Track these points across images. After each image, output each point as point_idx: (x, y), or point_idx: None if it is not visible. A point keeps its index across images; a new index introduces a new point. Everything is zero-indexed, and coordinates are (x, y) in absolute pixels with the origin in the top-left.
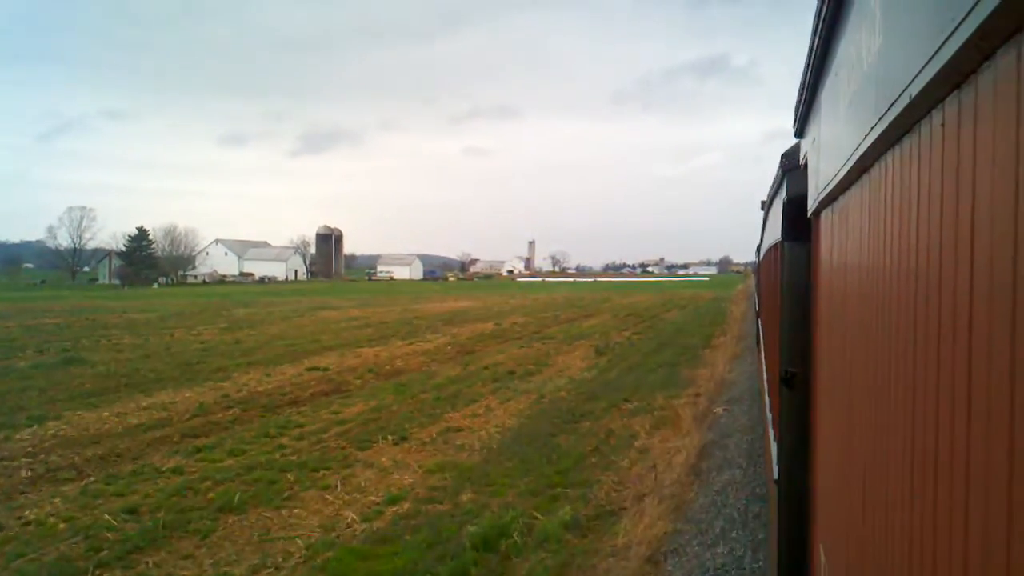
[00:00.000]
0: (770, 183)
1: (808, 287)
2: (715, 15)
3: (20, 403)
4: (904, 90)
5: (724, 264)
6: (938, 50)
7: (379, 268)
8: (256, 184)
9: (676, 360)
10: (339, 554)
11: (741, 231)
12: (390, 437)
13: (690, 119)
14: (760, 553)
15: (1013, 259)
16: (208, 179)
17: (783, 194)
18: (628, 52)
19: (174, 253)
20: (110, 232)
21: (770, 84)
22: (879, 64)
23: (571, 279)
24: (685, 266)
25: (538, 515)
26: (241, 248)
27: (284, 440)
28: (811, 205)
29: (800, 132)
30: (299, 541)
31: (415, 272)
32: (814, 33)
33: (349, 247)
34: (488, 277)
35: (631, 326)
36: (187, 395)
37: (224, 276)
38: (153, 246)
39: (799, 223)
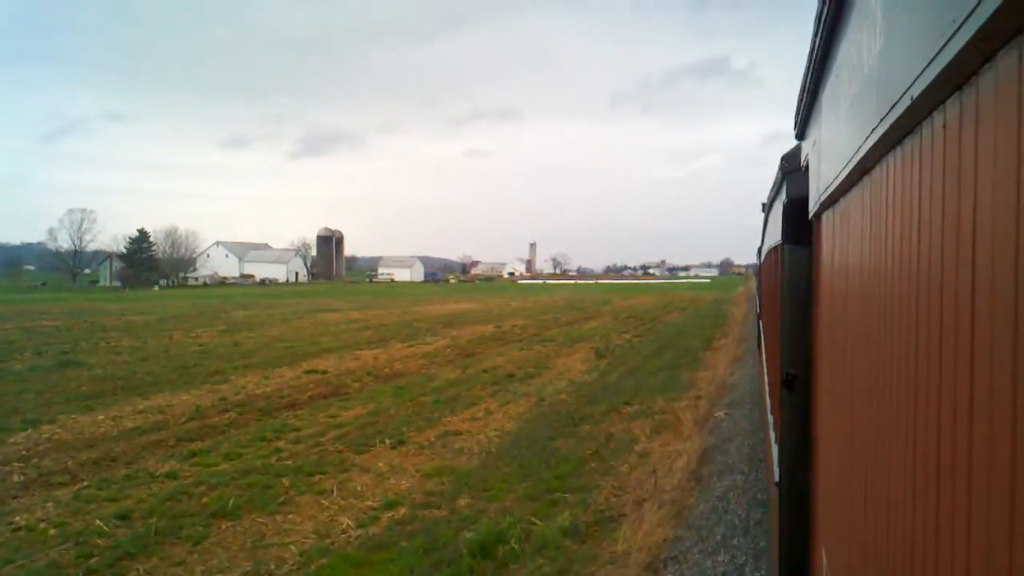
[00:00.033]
0: (770, 185)
1: (808, 289)
2: (715, 17)
3: (16, 406)
4: (905, 92)
5: (725, 266)
6: (939, 52)
7: (380, 270)
8: (257, 186)
9: (677, 363)
10: (333, 561)
11: (742, 233)
12: (388, 441)
13: (690, 121)
14: (762, 561)
15: (1015, 260)
16: (209, 181)
17: (783, 196)
18: (628, 54)
19: (175, 255)
20: (111, 234)
21: (770, 86)
22: (880, 66)
23: (572, 281)
24: (686, 268)
25: (536, 521)
26: (242, 250)
27: (280, 444)
28: (812, 207)
29: (801, 134)
30: (293, 547)
31: (416, 274)
32: (815, 35)
33: (350, 249)
34: (489, 279)
35: (632, 328)
36: (184, 398)
37: (225, 278)
38: (154, 248)
39: (799, 225)
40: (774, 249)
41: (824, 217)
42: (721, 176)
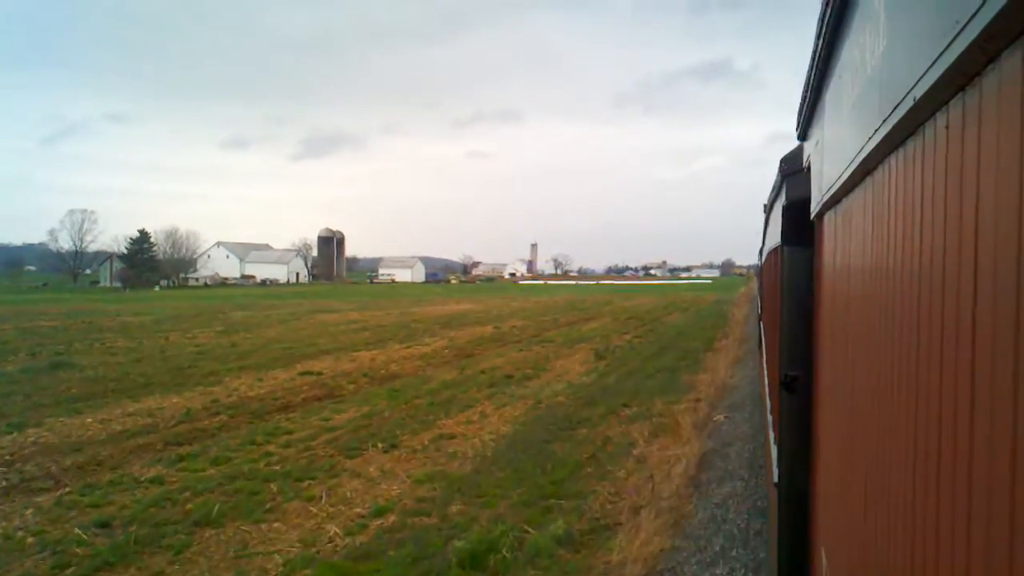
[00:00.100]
0: (771, 187)
1: (808, 291)
2: (716, 20)
3: (3, 409)
4: (908, 92)
5: (727, 267)
6: (942, 52)
7: (381, 271)
8: (258, 187)
9: (676, 364)
10: (318, 571)
11: (744, 234)
12: (380, 445)
13: (692, 122)
14: (762, 575)
15: (1017, 261)
16: (210, 182)
17: (783, 199)
18: (629, 56)
19: (175, 256)
20: (112, 235)
21: (773, 87)
22: (883, 67)
23: (573, 282)
24: (688, 269)
25: (529, 529)
26: (243, 251)
27: (271, 448)
28: (814, 207)
29: (803, 135)
30: (277, 557)
31: (417, 275)
32: (818, 36)
33: (351, 250)
34: (490, 280)
35: (632, 329)
36: (175, 400)
37: (226, 279)
38: (155, 249)
39: (799, 227)
40: (774, 251)
41: (826, 218)
42: (723, 177)
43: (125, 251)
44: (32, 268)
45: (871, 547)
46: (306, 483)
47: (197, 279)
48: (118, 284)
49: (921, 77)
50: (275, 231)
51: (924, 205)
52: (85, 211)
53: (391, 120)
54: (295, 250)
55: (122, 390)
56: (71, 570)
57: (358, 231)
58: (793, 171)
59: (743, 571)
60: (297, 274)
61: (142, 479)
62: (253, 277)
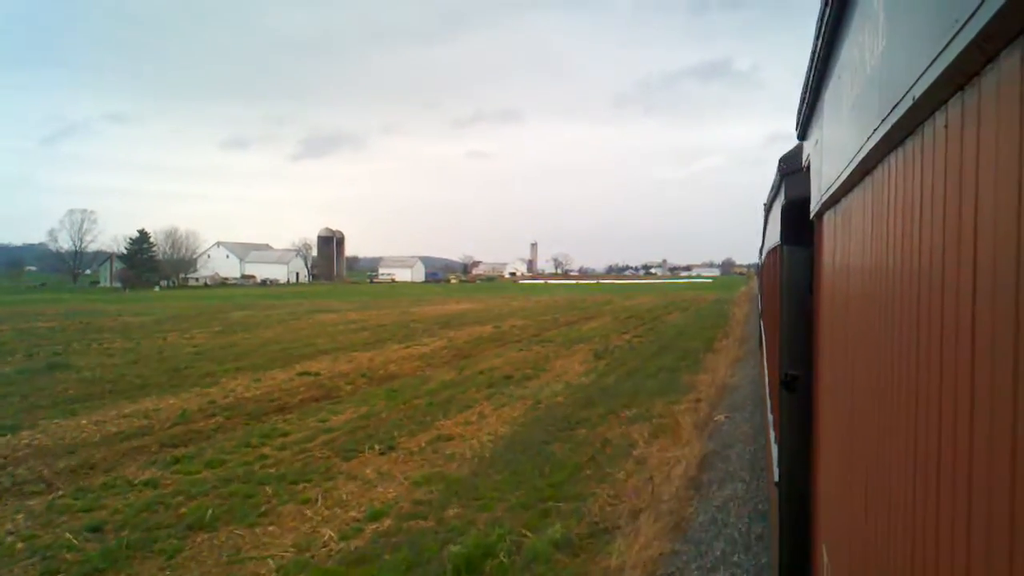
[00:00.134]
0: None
1: (808, 291)
2: (716, 20)
3: None
4: (907, 92)
5: (727, 266)
6: (941, 52)
7: (381, 270)
8: (258, 187)
9: (677, 364)
10: None
11: (744, 233)
12: (377, 447)
13: (692, 122)
14: None
15: (1016, 261)
16: (210, 182)
17: (782, 198)
18: (629, 56)
19: (175, 256)
20: (111, 235)
21: (772, 87)
22: (882, 66)
23: (573, 281)
24: (688, 268)
25: (527, 532)
26: (243, 251)
27: (266, 450)
28: (814, 207)
29: (803, 134)
30: (271, 562)
31: (417, 274)
32: (817, 36)
33: (351, 249)
34: (490, 279)
35: (632, 329)
36: (171, 402)
37: (226, 279)
38: (154, 249)
39: (798, 227)
40: (774, 250)
41: (826, 217)
42: (723, 176)
43: (125, 251)
44: (33, 268)
45: (872, 545)
46: (301, 486)
47: (197, 279)
48: (118, 284)
49: (920, 77)
50: (275, 231)
51: (923, 204)
52: (85, 211)
53: (391, 120)
54: (295, 250)
55: (118, 391)
56: None
57: (358, 231)
58: (792, 170)
59: None
60: (297, 274)
61: (136, 482)
62: (253, 277)
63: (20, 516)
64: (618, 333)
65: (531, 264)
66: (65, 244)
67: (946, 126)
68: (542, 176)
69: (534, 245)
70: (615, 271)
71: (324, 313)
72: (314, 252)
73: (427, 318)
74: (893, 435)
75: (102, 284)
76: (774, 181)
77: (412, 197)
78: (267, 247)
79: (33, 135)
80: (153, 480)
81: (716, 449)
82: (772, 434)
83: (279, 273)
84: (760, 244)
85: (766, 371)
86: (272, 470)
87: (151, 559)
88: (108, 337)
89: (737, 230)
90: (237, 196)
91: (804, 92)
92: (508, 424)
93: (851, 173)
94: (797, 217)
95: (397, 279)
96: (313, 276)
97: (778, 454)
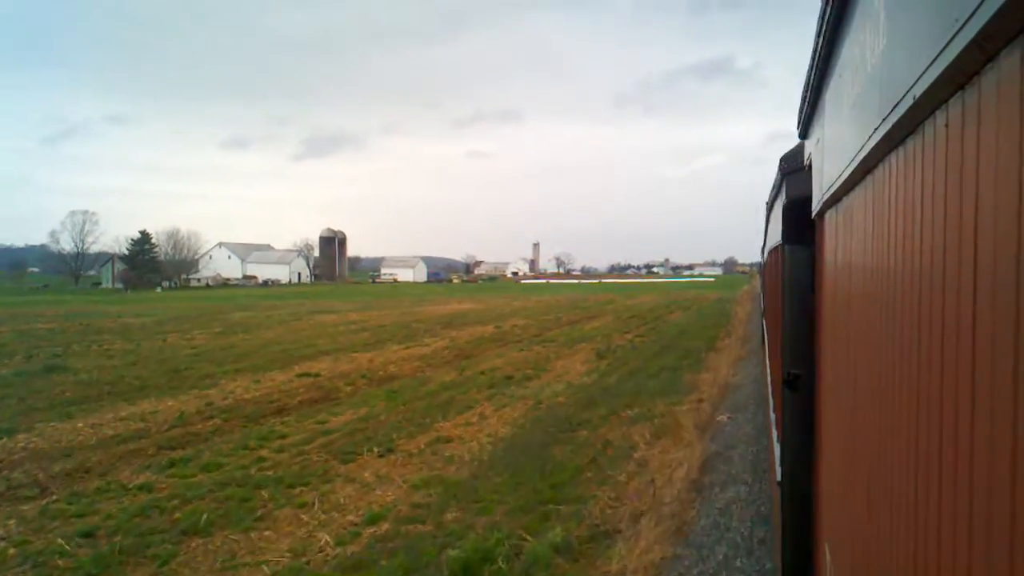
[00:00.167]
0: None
1: (810, 290)
2: (716, 19)
3: None
4: (908, 91)
5: (729, 265)
6: (942, 51)
7: (383, 270)
8: (259, 188)
9: (678, 364)
10: None
11: (746, 232)
12: (376, 449)
13: (692, 121)
14: None
15: (1016, 260)
16: (211, 183)
17: (783, 197)
18: (629, 55)
19: (177, 257)
20: (113, 236)
21: (773, 86)
22: (883, 65)
23: (575, 280)
24: (690, 267)
25: (527, 536)
26: (244, 251)
27: (264, 453)
28: (815, 206)
29: (804, 133)
30: (265, 568)
31: (419, 274)
32: (818, 35)
33: (353, 249)
34: (492, 279)
35: (634, 328)
36: (170, 404)
37: (227, 279)
38: (156, 250)
39: (799, 226)
40: (775, 249)
41: (827, 216)
42: (724, 175)
43: (126, 252)
44: (35, 269)
45: (874, 543)
46: (298, 489)
47: (199, 280)
48: (119, 285)
49: (921, 76)
50: (277, 231)
51: (924, 203)
52: (86, 212)
53: (392, 120)
54: (297, 250)
55: (117, 393)
56: None
57: (360, 231)
58: (793, 169)
59: None
60: (299, 274)
61: (130, 486)
62: (255, 277)
63: (12, 522)
64: (620, 332)
65: (533, 264)
66: (67, 245)
67: (946, 125)
68: (543, 176)
69: (536, 245)
70: (617, 270)
71: (325, 314)
72: (316, 252)
73: (428, 318)
74: (894, 434)
75: (104, 285)
76: (775, 180)
77: (413, 197)
78: (269, 247)
79: (33, 135)
80: (148, 484)
81: (719, 450)
82: (775, 433)
83: (281, 273)
84: (762, 243)
85: (768, 370)
86: (269, 473)
87: (144, 565)
88: (108, 338)
89: (739, 229)
90: (238, 196)
91: (805, 91)
92: (508, 425)
93: (852, 172)
94: (798, 216)
95: (399, 279)
96: (315, 276)
97: (780, 453)
